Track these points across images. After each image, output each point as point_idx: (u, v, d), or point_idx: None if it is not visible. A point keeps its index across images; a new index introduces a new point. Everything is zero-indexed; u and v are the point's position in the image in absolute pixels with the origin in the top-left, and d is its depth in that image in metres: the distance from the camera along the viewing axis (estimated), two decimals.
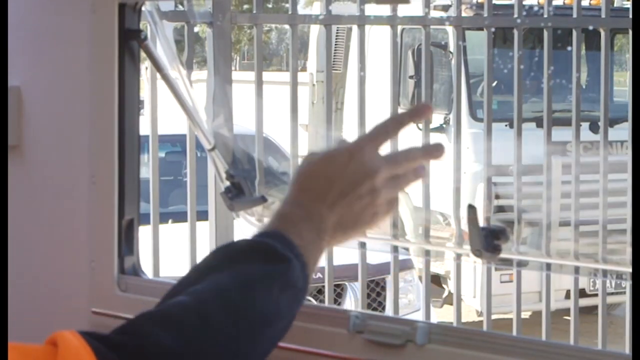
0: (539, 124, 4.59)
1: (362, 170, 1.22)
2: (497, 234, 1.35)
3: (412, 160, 1.26)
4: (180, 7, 3.31)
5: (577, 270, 4.13)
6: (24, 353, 1.04)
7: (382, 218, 1.24)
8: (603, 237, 4.07)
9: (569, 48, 4.32)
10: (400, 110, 5.44)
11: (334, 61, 8.41)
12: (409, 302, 6.01)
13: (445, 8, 6.54)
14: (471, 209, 1.35)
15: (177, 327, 1.09)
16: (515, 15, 4.16)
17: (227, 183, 1.65)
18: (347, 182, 1.21)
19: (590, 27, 4.50)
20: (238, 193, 1.59)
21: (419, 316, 5.56)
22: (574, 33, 4.14)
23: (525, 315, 6.50)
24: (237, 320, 1.12)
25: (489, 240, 1.34)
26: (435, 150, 1.28)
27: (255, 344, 1.13)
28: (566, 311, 5.88)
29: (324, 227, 1.21)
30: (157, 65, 1.61)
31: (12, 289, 1.16)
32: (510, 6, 4.37)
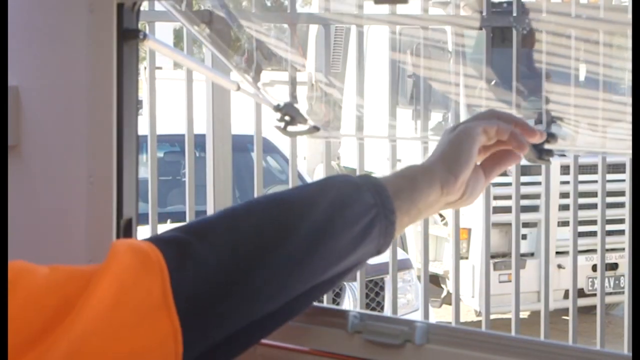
0: (538, 123, 4.59)
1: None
2: (547, 139, 1.40)
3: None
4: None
5: None
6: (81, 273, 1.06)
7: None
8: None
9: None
10: (399, 109, 5.43)
11: (332, 61, 8.41)
12: (407, 302, 6.01)
13: (444, 5, 6.53)
14: None
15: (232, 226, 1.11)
16: (515, 14, 4.15)
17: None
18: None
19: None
20: (290, 121, 1.60)
21: (417, 316, 5.56)
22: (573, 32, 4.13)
23: (523, 315, 6.51)
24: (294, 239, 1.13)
25: (539, 147, 1.41)
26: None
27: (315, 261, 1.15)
28: (565, 311, 5.88)
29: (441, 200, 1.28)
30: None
31: None
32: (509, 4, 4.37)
